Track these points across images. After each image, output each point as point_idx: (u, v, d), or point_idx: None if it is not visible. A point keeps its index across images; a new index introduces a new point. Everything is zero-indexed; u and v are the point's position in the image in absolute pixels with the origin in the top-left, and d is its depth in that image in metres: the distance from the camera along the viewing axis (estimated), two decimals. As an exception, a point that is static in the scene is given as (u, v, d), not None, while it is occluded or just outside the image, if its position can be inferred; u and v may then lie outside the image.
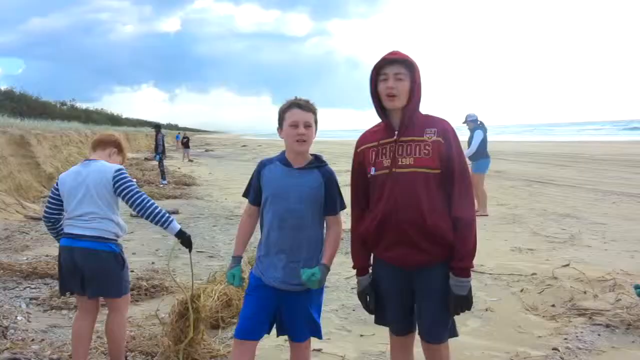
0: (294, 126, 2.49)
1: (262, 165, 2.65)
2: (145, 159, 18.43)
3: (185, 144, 27.60)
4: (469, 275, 2.36)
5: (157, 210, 3.13)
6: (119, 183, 3.11)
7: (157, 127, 17.02)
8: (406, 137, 2.35)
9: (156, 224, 3.16)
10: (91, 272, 3.09)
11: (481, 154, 9.09)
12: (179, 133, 36.89)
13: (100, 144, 3.39)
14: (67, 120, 27.87)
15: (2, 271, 5.49)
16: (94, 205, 3.10)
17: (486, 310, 4.43)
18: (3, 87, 29.47)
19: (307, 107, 2.54)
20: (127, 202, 3.14)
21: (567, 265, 5.57)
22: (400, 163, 2.33)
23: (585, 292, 4.72)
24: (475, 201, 11.32)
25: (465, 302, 2.36)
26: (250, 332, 2.57)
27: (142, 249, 6.78)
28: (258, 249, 2.68)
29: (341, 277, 5.48)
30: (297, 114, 2.50)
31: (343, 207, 2.63)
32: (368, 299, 2.56)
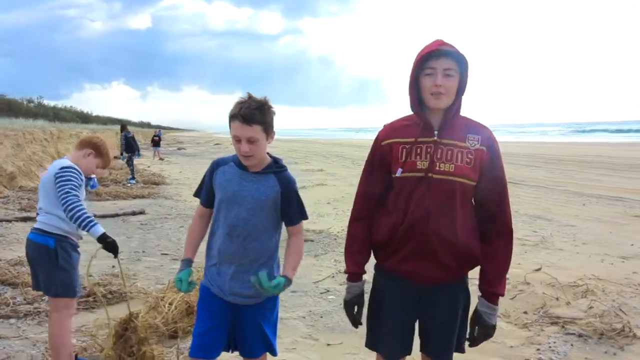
0: (237, 141, 2.23)
1: (216, 165, 2.42)
2: (114, 157, 17.99)
3: (156, 142, 27.05)
4: (498, 302, 2.15)
5: (79, 214, 2.93)
6: (57, 181, 3.04)
7: (122, 126, 16.58)
8: (447, 139, 2.06)
9: (79, 227, 3.00)
10: (31, 263, 3.22)
11: None
12: (160, 131, 36.21)
13: (79, 144, 3.41)
14: (34, 118, 27.09)
15: (-53, 276, 5.16)
16: (42, 200, 3.18)
17: (457, 316, 4.30)
18: (-34, 84, 28.55)
19: (249, 118, 2.17)
20: (59, 201, 3.00)
21: (539, 269, 5.51)
22: (438, 168, 2.04)
23: (557, 299, 4.65)
24: None
25: (492, 331, 2.16)
26: (204, 350, 2.36)
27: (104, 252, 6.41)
28: (206, 256, 2.47)
29: (309, 280, 5.30)
30: (238, 129, 2.20)
31: (304, 217, 2.43)
32: (356, 310, 2.28)
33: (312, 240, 7.12)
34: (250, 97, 2.21)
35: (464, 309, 2.22)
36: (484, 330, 2.15)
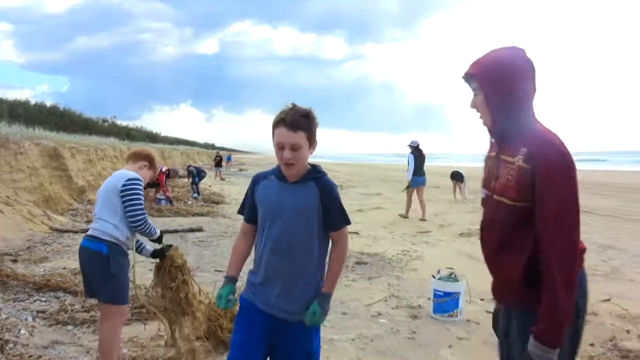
0: (280, 148, 2.21)
1: (257, 180, 2.41)
2: (179, 176, 18.63)
3: (218, 163, 27.82)
4: (549, 345, 1.79)
5: (147, 227, 3.28)
6: (125, 191, 3.21)
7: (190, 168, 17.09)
8: (503, 154, 1.95)
9: (142, 234, 3.31)
10: (83, 270, 3.32)
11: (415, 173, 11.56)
12: (230, 155, 37.96)
13: (133, 157, 3.59)
14: (107, 136, 28.45)
15: (15, 282, 5.39)
16: (99, 208, 3.28)
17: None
18: (48, 103, 30.38)
19: (295, 125, 2.18)
20: (124, 210, 3.21)
21: (608, 300, 5.14)
22: (492, 185, 1.99)
23: (628, 332, 4.33)
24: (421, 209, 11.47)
25: None
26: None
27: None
28: (252, 272, 2.42)
29: (361, 304, 5.17)
30: (282, 135, 2.19)
31: (346, 221, 2.36)
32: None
33: (366, 263, 6.98)
34: (294, 105, 2.22)
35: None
36: None
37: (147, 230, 3.28)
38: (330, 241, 2.37)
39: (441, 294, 4.67)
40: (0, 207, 8.26)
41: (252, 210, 2.40)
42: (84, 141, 16.20)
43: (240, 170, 40.59)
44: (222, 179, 25.92)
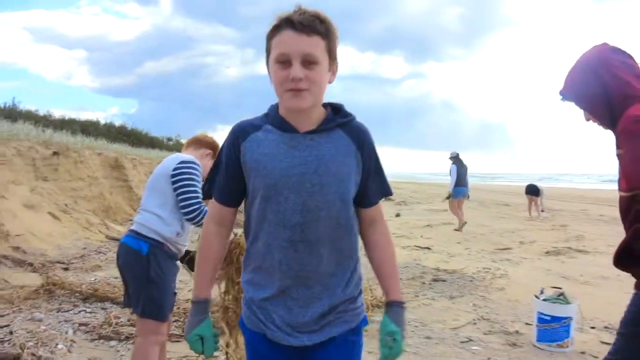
0: (283, 63, 1.39)
1: (241, 132, 1.51)
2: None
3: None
4: None
5: (202, 212, 2.53)
6: (178, 175, 2.57)
7: None
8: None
9: (198, 226, 2.53)
10: (121, 272, 2.68)
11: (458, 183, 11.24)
12: None
13: (194, 142, 2.96)
14: (170, 151, 29.02)
15: (62, 291, 4.99)
16: (146, 197, 2.70)
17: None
18: (117, 123, 31.63)
19: (308, 25, 1.37)
20: (177, 198, 2.56)
21: None
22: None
23: None
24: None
25: None
26: None
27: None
28: (247, 283, 1.59)
29: (446, 326, 4.38)
30: (287, 42, 1.38)
31: (387, 191, 1.62)
32: None
33: (444, 280, 6.18)
34: (301, 6, 1.42)
35: None
36: None
37: (198, 210, 2.55)
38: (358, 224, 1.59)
39: (548, 318, 3.82)
40: (57, 214, 8.05)
41: (232, 183, 1.54)
42: (147, 154, 16.22)
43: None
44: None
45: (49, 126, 11.29)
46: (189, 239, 2.81)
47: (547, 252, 8.49)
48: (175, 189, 2.56)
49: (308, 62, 1.38)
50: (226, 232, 1.62)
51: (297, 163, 1.44)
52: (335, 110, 1.53)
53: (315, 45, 1.39)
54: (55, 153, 8.93)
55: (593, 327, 4.34)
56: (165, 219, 2.56)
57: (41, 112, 17.57)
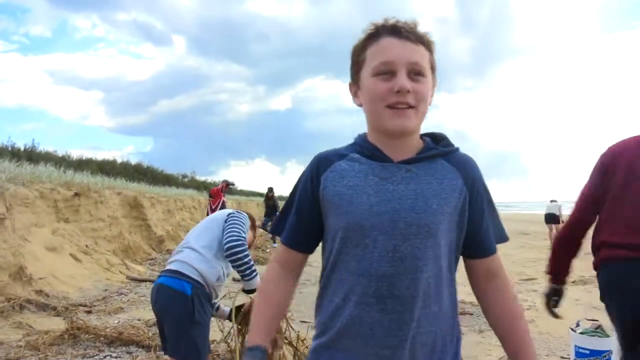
0: (387, 74, 1.17)
1: (323, 161, 1.28)
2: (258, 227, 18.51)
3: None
4: None
5: (245, 255, 2.58)
6: (232, 219, 2.69)
7: (269, 189, 16.69)
8: None
9: (240, 269, 2.59)
10: (159, 315, 2.64)
11: None
12: None
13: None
14: (186, 188, 29.17)
15: (87, 335, 4.94)
16: (192, 236, 2.75)
17: None
18: (133, 162, 32.06)
19: (412, 32, 1.19)
20: (224, 234, 2.61)
21: None
22: None
23: None
24: None
25: None
26: None
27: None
28: (320, 347, 1.28)
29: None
30: (392, 49, 1.17)
31: (504, 237, 1.33)
32: None
33: (471, 314, 6.05)
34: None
35: None
36: None
37: (246, 263, 2.57)
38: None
39: (587, 352, 3.69)
40: (79, 256, 8.07)
41: (305, 224, 1.30)
42: (164, 192, 16.32)
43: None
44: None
45: (69, 167, 11.43)
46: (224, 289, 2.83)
47: (573, 282, 8.30)
48: (224, 229, 2.62)
49: (415, 73, 1.18)
50: (292, 276, 1.36)
51: (389, 198, 1.18)
52: (436, 140, 1.30)
53: (421, 54, 1.19)
54: (76, 194, 9.02)
55: (632, 361, 4.20)
56: (209, 260, 2.56)
57: (60, 153, 17.83)
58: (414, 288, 1.17)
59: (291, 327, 3.31)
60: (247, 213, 2.99)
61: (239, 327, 2.96)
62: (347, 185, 1.22)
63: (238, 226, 2.64)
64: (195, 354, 2.49)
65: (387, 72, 1.17)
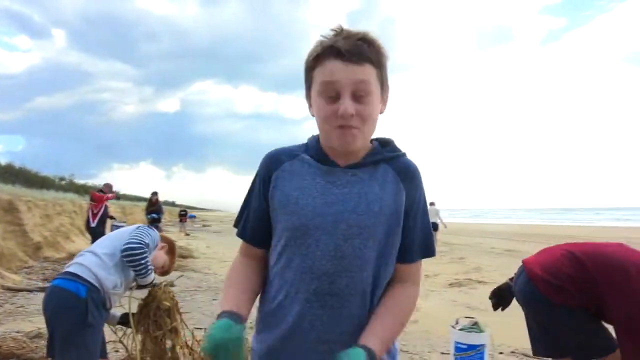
0: (331, 97, 1.21)
1: (274, 160, 1.34)
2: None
3: (183, 218, 27.22)
4: None
5: (143, 257, 2.66)
6: (140, 228, 2.82)
7: (154, 193, 16.31)
8: None
9: (136, 268, 2.66)
10: (49, 318, 2.52)
11: None
12: (193, 214, 37.70)
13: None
14: (64, 191, 27.27)
15: (-40, 350, 4.55)
16: (96, 243, 2.78)
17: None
18: (3, 162, 29.34)
19: (358, 53, 1.19)
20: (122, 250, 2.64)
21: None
22: None
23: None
24: None
25: None
26: None
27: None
28: (259, 332, 1.37)
29: None
30: (336, 71, 1.19)
31: (430, 252, 1.38)
32: None
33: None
34: (344, 29, 1.24)
35: None
36: None
37: (142, 263, 2.65)
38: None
39: (464, 347, 4.08)
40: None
41: (262, 222, 1.35)
42: (41, 195, 15.20)
43: (204, 226, 39.60)
44: (187, 234, 25.09)
45: None
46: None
47: (450, 284, 9.00)
48: (130, 233, 2.71)
49: (359, 95, 1.20)
50: (257, 265, 1.38)
51: (333, 200, 1.25)
52: (383, 144, 1.35)
53: (367, 74, 1.21)
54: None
55: (501, 353, 4.71)
56: (109, 267, 2.56)
57: None
58: (352, 286, 1.24)
59: (186, 325, 3.33)
60: (167, 237, 3.13)
61: (138, 327, 2.96)
62: (295, 186, 1.29)
63: (143, 235, 2.73)
64: (85, 358, 2.44)
65: (331, 94, 1.21)
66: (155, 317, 2.95)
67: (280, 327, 1.29)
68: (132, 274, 2.69)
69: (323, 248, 1.24)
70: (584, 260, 2.39)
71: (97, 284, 2.50)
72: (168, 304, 3.03)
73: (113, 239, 2.71)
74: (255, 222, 1.36)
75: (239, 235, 1.41)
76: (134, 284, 2.79)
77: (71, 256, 9.99)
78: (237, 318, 1.19)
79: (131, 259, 2.60)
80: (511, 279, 3.16)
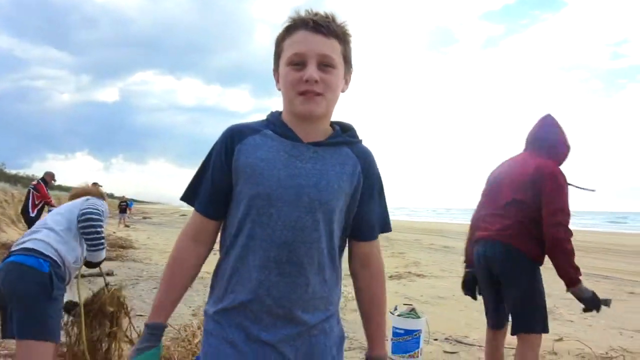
0: (297, 65, 1.30)
1: (237, 133, 1.38)
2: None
3: (123, 209, 26.45)
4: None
5: (99, 231, 2.67)
6: (87, 203, 2.75)
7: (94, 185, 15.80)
8: None
9: (92, 242, 2.64)
10: (7, 295, 2.40)
11: None
12: (132, 202, 36.49)
13: (82, 194, 2.94)
14: (-6, 182, 26.01)
15: None
16: (50, 218, 2.69)
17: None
18: None
19: (326, 27, 1.30)
20: (83, 206, 2.68)
21: (561, 339, 5.00)
22: None
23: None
24: None
25: None
26: None
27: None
28: (212, 299, 1.42)
29: None
30: (305, 41, 1.29)
31: (388, 227, 1.50)
32: None
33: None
34: (312, 8, 1.35)
35: None
36: None
37: (97, 233, 2.64)
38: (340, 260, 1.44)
39: (402, 332, 4.27)
40: None
41: (219, 192, 1.38)
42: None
43: (144, 218, 38.70)
44: (127, 226, 24.52)
45: None
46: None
47: (390, 277, 9.25)
48: (81, 207, 2.68)
49: (324, 64, 1.30)
50: (203, 251, 1.42)
51: (296, 174, 1.32)
52: (345, 129, 1.44)
53: (332, 47, 1.31)
54: None
55: (436, 339, 4.92)
56: (68, 241, 2.53)
57: None
58: (309, 256, 1.32)
59: (132, 326, 3.27)
60: (91, 193, 3.00)
61: (78, 318, 2.90)
62: (260, 157, 1.33)
63: (97, 204, 2.74)
64: (49, 332, 2.38)
65: (299, 62, 1.29)
66: (97, 318, 2.93)
67: (237, 292, 1.34)
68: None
69: (284, 219, 1.30)
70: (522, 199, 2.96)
71: (59, 260, 2.45)
72: (112, 308, 2.97)
73: (65, 214, 2.65)
74: (214, 194, 1.38)
75: (198, 208, 1.41)
76: (82, 264, 2.73)
77: (3, 246, 9.60)
78: (161, 330, 1.37)
79: (88, 225, 2.58)
80: (468, 266, 3.34)
